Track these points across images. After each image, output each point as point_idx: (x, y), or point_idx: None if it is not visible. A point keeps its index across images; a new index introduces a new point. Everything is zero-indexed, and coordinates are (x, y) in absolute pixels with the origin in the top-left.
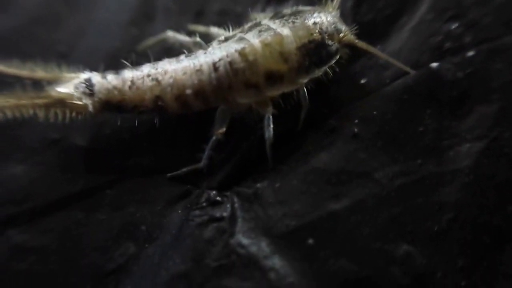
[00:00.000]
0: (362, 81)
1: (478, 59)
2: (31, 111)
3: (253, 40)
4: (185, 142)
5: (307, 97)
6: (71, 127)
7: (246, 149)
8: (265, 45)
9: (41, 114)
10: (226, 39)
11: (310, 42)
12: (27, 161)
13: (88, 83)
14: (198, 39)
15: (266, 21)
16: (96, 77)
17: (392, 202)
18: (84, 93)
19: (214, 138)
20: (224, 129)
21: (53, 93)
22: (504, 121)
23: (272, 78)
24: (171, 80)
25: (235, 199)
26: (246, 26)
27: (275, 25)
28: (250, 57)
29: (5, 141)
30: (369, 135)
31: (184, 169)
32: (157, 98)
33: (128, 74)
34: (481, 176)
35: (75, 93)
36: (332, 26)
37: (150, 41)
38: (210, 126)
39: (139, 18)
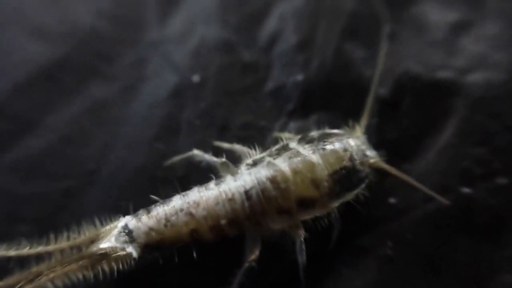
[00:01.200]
0: (392, 201)
1: (510, 187)
2: (79, 275)
3: (284, 167)
4: (214, 262)
5: (339, 219)
6: None
7: (278, 272)
8: (296, 172)
9: (88, 274)
10: (255, 163)
11: (341, 169)
12: None
13: (127, 231)
14: (224, 159)
15: (294, 145)
16: (131, 222)
17: None
18: (125, 241)
19: (246, 265)
20: (256, 255)
21: (96, 251)
22: None
23: (304, 203)
24: (204, 213)
25: None
26: (274, 149)
27: (305, 151)
28: (282, 185)
29: None
30: (405, 260)
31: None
32: (193, 231)
33: (161, 211)
34: None
35: (118, 245)
36: (362, 152)
37: (177, 158)
38: (241, 246)
39: (164, 133)
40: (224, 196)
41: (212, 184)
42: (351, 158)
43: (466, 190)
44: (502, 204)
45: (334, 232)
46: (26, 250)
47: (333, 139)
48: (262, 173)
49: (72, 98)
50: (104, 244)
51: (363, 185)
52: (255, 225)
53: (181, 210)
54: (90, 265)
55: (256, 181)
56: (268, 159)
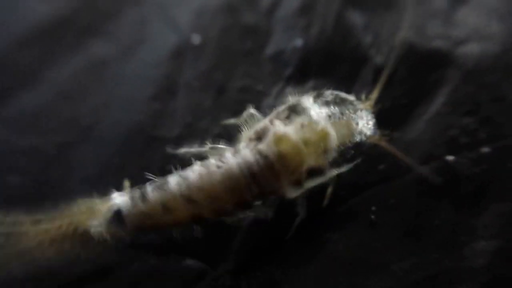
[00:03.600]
0: (380, 167)
1: (493, 156)
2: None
3: (296, 137)
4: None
5: (334, 177)
6: None
7: (263, 232)
8: (310, 144)
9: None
10: (259, 137)
11: (349, 142)
12: None
13: (118, 215)
14: (210, 145)
15: (309, 104)
16: (125, 206)
17: None
18: (117, 226)
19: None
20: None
21: (88, 232)
22: None
23: (313, 173)
24: (209, 199)
25: (251, 285)
26: (281, 111)
27: (321, 116)
28: (296, 158)
29: None
30: (387, 225)
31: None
32: (194, 214)
33: (157, 195)
34: (497, 277)
35: (109, 228)
36: (370, 128)
37: (169, 150)
38: None
39: (161, 93)
40: (228, 183)
41: (214, 167)
42: (360, 133)
43: (450, 158)
44: (484, 173)
45: (328, 189)
46: (21, 227)
47: (348, 107)
48: (270, 149)
49: (72, 55)
50: (96, 228)
51: (360, 158)
52: (262, 200)
53: (181, 195)
54: (83, 243)
55: (263, 161)
56: (277, 128)
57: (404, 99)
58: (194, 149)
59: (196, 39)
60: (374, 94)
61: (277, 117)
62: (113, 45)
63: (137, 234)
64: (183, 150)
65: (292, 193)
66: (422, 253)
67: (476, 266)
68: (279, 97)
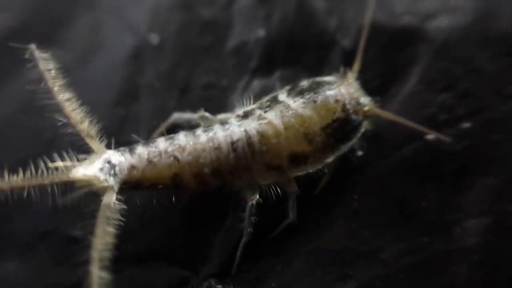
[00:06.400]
0: (359, 153)
1: (475, 131)
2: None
3: (275, 121)
4: (178, 226)
5: (333, 165)
6: (63, 217)
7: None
8: (288, 127)
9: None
10: (246, 115)
11: (333, 121)
12: (20, 257)
13: (111, 163)
14: (202, 112)
15: (284, 97)
16: (114, 156)
17: (401, 283)
18: (108, 174)
19: (249, 203)
20: (257, 194)
21: (79, 176)
22: (508, 195)
23: (297, 159)
24: (189, 158)
25: (237, 286)
26: (264, 101)
27: (296, 104)
28: (273, 140)
29: None
30: (371, 211)
31: (240, 249)
32: (175, 175)
33: (144, 150)
34: (491, 254)
35: (101, 175)
36: (355, 100)
37: (162, 127)
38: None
39: (124, 98)
40: (210, 144)
41: (199, 131)
42: (344, 109)
43: (431, 137)
44: (466, 149)
45: (325, 177)
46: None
47: (324, 88)
48: (252, 126)
49: (29, 66)
50: (87, 171)
51: (358, 135)
52: (238, 179)
53: (166, 152)
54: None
55: (243, 134)
56: (258, 111)
57: (376, 81)
58: (187, 114)
59: (154, 38)
60: (356, 66)
61: (260, 106)
62: (70, 52)
63: (125, 189)
64: (176, 115)
65: (264, 178)
66: (411, 237)
67: (469, 245)
68: (246, 91)
